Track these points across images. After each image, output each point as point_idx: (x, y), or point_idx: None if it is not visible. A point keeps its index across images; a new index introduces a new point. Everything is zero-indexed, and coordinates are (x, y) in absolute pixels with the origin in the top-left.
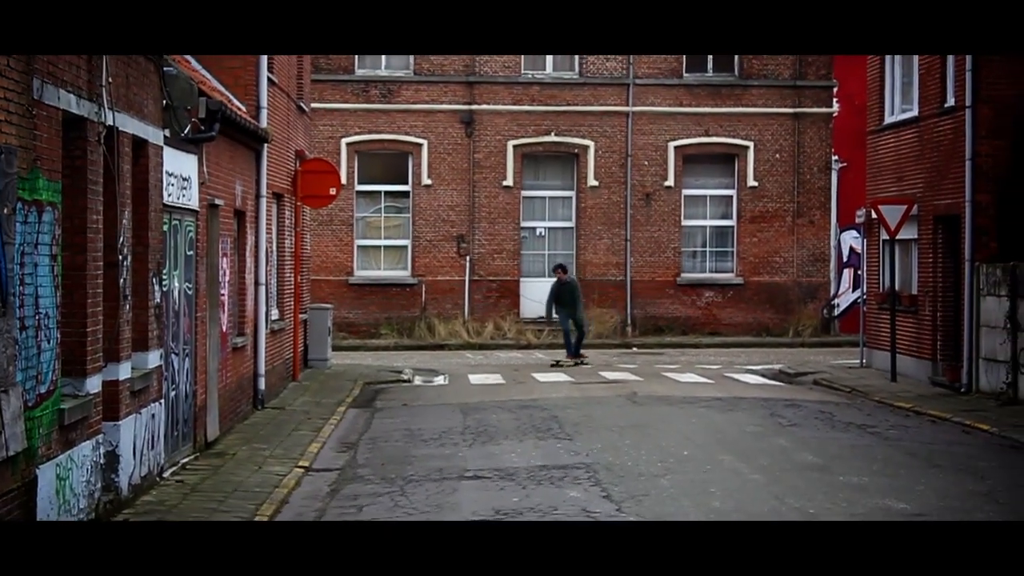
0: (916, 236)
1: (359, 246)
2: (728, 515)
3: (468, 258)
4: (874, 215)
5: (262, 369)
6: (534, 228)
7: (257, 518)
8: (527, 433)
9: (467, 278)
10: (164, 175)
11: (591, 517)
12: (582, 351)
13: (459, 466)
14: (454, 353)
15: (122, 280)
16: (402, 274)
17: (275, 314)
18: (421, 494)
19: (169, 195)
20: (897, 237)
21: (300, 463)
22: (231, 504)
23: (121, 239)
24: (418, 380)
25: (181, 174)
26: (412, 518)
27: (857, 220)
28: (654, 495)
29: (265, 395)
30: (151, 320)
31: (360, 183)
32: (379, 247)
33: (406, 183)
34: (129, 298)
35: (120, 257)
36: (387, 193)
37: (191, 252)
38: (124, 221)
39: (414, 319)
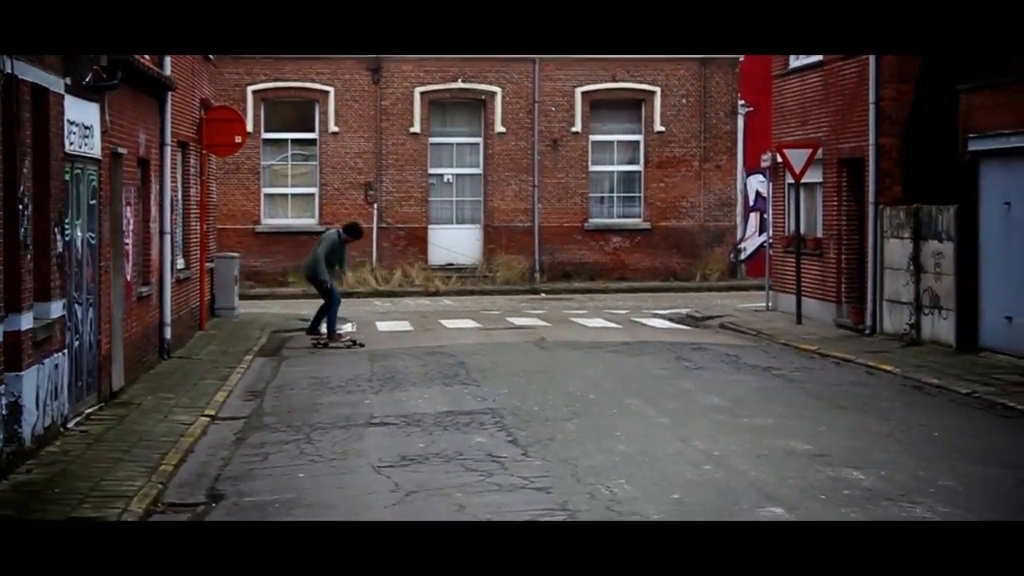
0: (821, 180)
1: (266, 194)
2: (633, 458)
3: (376, 205)
4: (779, 159)
5: (168, 318)
6: (442, 175)
7: (163, 467)
8: (434, 379)
9: (375, 225)
10: (65, 124)
11: (496, 461)
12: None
13: (366, 413)
14: (362, 301)
15: (23, 230)
16: (309, 222)
17: (181, 263)
18: (327, 441)
19: (71, 144)
20: (802, 181)
21: (206, 412)
22: (136, 454)
23: (21, 188)
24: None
25: (83, 123)
26: (317, 465)
27: (763, 164)
28: (560, 439)
29: (171, 344)
30: (53, 270)
31: (266, 131)
32: (286, 195)
33: (313, 131)
34: (30, 248)
35: (20, 207)
36: (294, 141)
37: (94, 201)
38: (24, 170)
39: None
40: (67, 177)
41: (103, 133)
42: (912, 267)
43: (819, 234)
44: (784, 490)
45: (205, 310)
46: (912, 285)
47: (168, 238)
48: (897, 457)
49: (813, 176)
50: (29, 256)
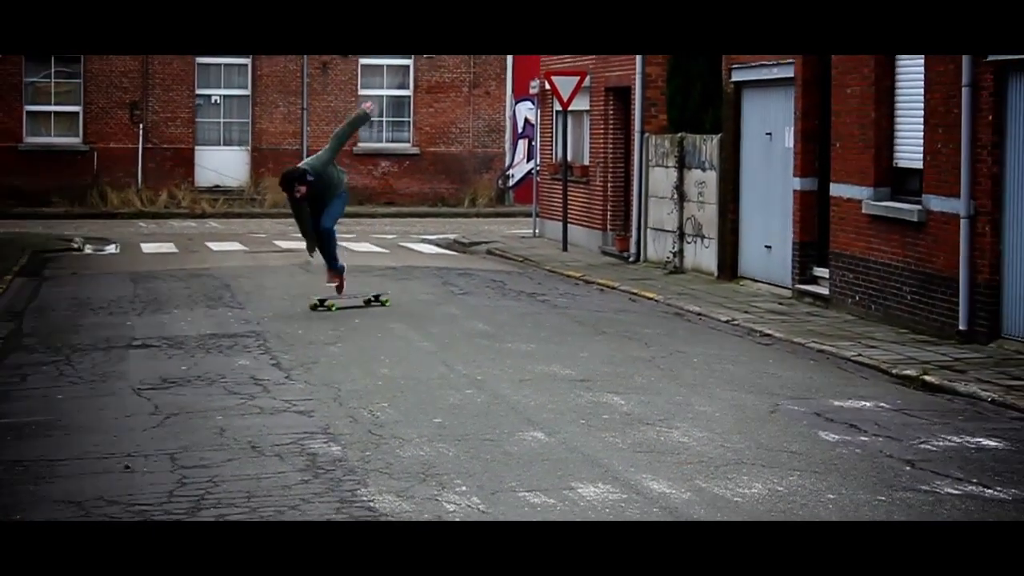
0: (588, 107)
1: (28, 112)
2: (396, 382)
3: (141, 126)
4: (548, 86)
5: None
6: (209, 96)
7: None
8: (198, 302)
9: (140, 146)
10: None
11: (259, 384)
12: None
13: (127, 335)
14: (127, 222)
15: None
16: (73, 141)
17: None
18: (87, 363)
19: None
20: (570, 108)
21: None
22: None
23: None
24: (89, 249)
25: None
26: (77, 387)
27: (531, 91)
28: (324, 362)
29: None
30: None
31: None
32: (49, 113)
33: None
34: None
35: None
36: (57, 58)
37: None
38: None
39: (86, 187)
40: None
41: None
42: (676, 196)
43: (586, 162)
44: (545, 415)
45: None
46: (676, 214)
47: None
48: (657, 383)
49: (581, 104)
50: None
